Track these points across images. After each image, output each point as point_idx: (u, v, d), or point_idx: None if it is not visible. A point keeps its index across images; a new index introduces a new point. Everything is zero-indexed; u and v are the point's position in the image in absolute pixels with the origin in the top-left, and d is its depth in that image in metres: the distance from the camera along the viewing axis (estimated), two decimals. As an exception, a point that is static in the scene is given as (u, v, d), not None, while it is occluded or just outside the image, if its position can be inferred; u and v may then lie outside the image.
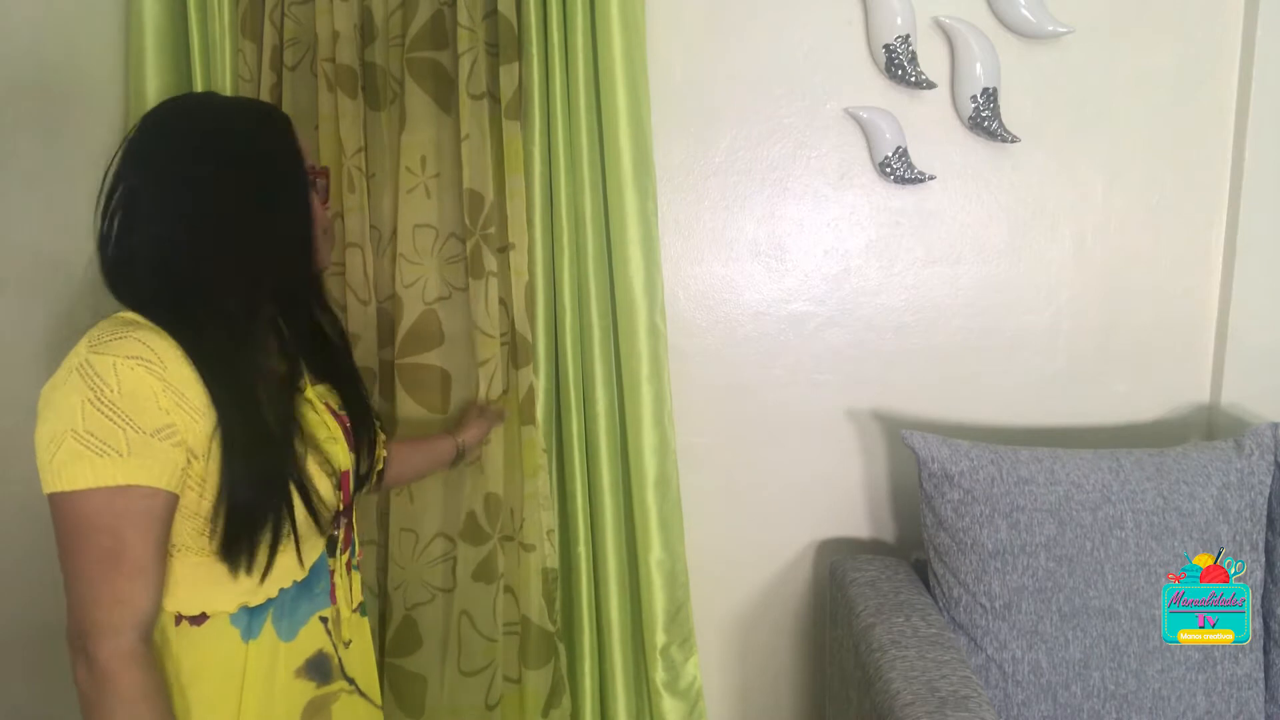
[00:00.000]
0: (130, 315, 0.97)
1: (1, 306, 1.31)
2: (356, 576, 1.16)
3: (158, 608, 0.95)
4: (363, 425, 1.17)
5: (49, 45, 1.38)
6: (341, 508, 1.09)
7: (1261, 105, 1.64)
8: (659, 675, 1.66)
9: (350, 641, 1.13)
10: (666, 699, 1.67)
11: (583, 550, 1.64)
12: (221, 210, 0.99)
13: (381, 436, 1.21)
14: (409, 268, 1.54)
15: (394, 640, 1.59)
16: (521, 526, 1.58)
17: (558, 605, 1.64)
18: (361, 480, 1.16)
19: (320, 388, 1.15)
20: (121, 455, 0.89)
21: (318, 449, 1.04)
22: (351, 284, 1.52)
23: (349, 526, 1.15)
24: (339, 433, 1.11)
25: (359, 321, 1.53)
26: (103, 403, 0.89)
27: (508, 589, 1.59)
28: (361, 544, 1.56)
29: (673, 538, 1.65)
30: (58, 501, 0.90)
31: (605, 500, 1.63)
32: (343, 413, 1.15)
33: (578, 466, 1.62)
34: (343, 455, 1.10)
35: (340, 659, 1.10)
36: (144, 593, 0.92)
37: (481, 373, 1.53)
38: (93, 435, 0.88)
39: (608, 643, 1.66)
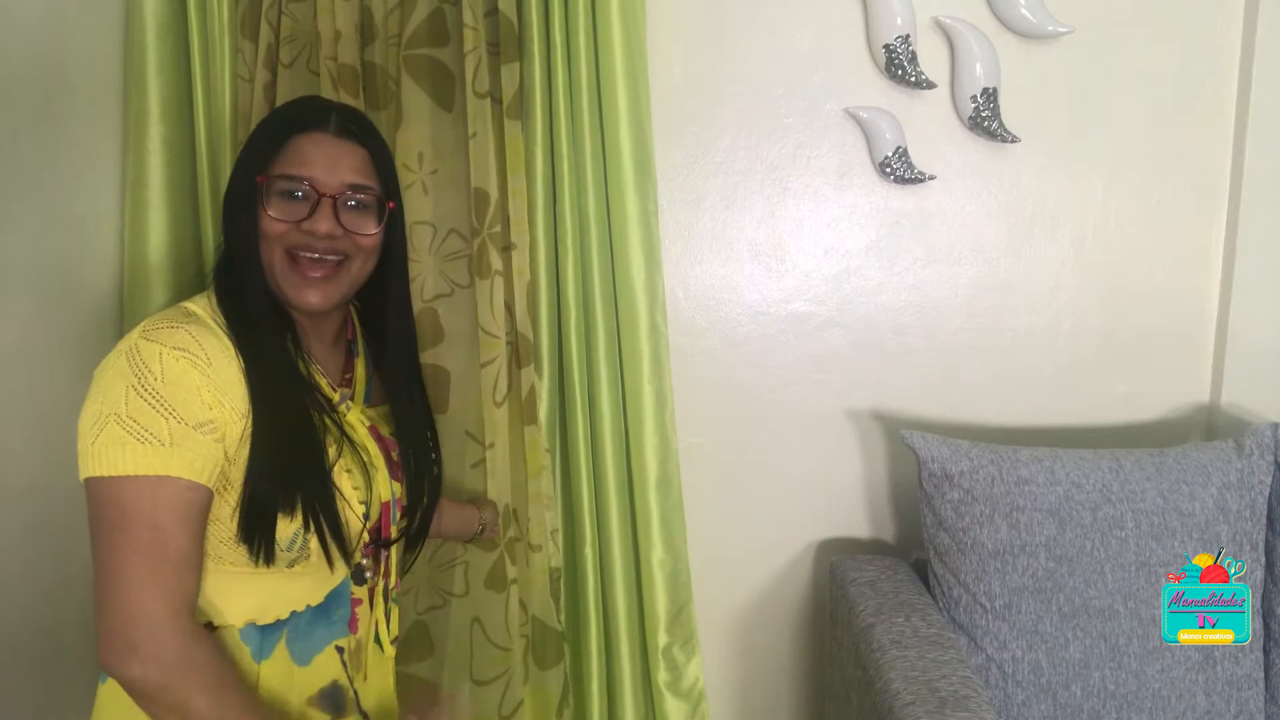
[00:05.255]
0: (192, 306, 0.97)
1: (1, 307, 1.30)
2: (395, 610, 1.13)
3: (197, 601, 0.93)
4: (416, 456, 1.13)
5: (49, 44, 1.38)
6: (368, 538, 1.05)
7: (1261, 105, 1.64)
8: (661, 676, 1.66)
9: (368, 675, 1.10)
10: (669, 699, 1.66)
11: (589, 551, 1.63)
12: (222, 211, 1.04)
13: (435, 471, 1.17)
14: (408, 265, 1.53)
15: (401, 646, 1.57)
16: (527, 527, 1.57)
17: (563, 605, 1.64)
18: (409, 512, 1.12)
19: (373, 411, 1.12)
20: (164, 444, 0.87)
21: (353, 473, 1.02)
22: None
23: (388, 558, 1.11)
24: (381, 461, 1.08)
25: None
26: (147, 390, 0.88)
27: (519, 597, 1.59)
28: None
29: (675, 538, 1.65)
30: (96, 487, 0.87)
31: (611, 501, 1.62)
32: (392, 439, 1.12)
33: (583, 467, 1.61)
34: (383, 484, 1.07)
35: (356, 692, 1.07)
36: (192, 584, 0.90)
37: (485, 373, 1.53)
38: (136, 421, 0.87)
39: (615, 644, 1.66)
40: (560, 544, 1.65)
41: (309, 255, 1.00)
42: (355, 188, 1.02)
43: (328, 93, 1.50)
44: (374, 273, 1.09)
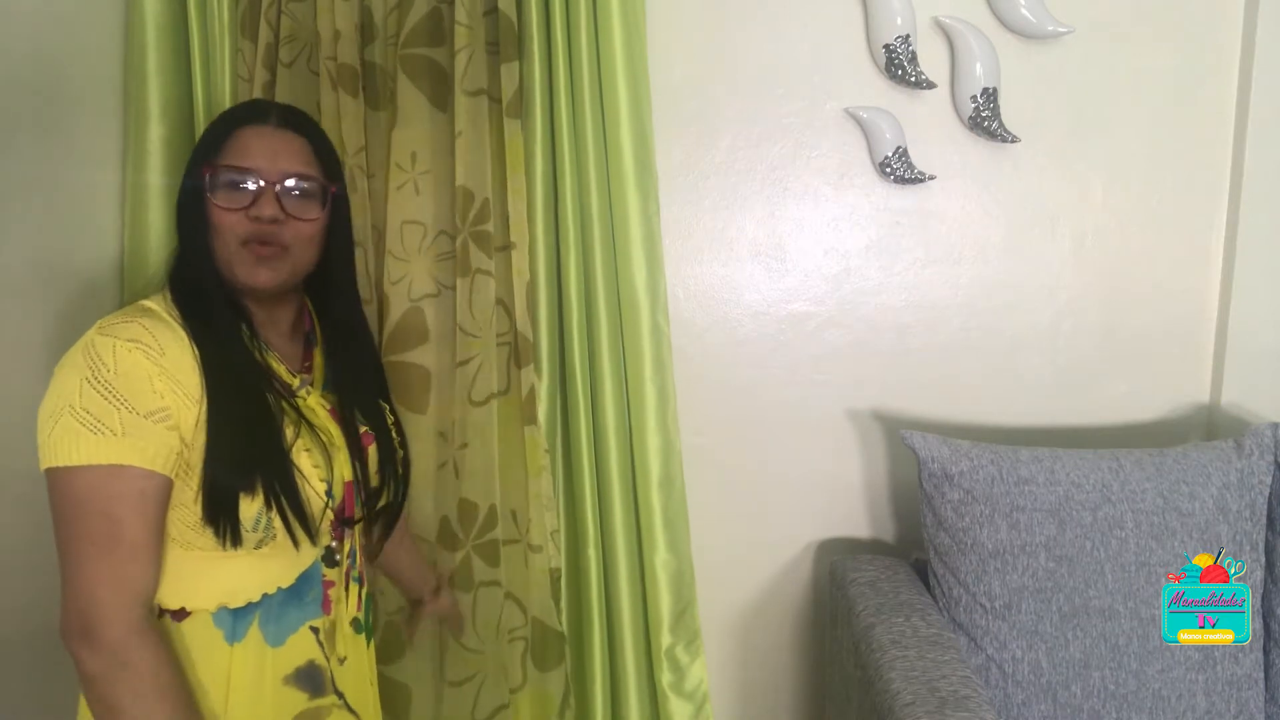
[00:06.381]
0: (149, 302, 1.01)
1: (1, 305, 1.30)
2: (355, 590, 1.14)
3: (156, 588, 0.95)
4: (377, 434, 1.15)
5: (49, 45, 1.38)
6: (333, 518, 1.06)
7: (1261, 105, 1.64)
8: (665, 677, 1.65)
9: (345, 658, 1.11)
10: (673, 700, 1.66)
11: (593, 552, 1.63)
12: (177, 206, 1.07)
13: (400, 453, 1.19)
14: (395, 264, 1.53)
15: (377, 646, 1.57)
16: (527, 528, 1.57)
17: (564, 606, 1.64)
18: (372, 494, 1.13)
19: (335, 397, 1.14)
20: (115, 435, 0.91)
21: (312, 452, 1.03)
22: None
23: (353, 538, 1.13)
24: (341, 441, 1.10)
25: (361, 321, 1.53)
26: (100, 382, 0.91)
27: (509, 595, 1.59)
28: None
29: (678, 538, 1.65)
30: (53, 477, 0.92)
31: (614, 501, 1.62)
32: (346, 416, 1.13)
33: (586, 467, 1.61)
34: (344, 464, 1.08)
35: (332, 673, 1.09)
36: (144, 572, 0.93)
37: (462, 373, 1.52)
38: (88, 413, 0.90)
39: (619, 645, 1.65)
40: (561, 545, 1.65)
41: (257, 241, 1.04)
42: (296, 175, 1.05)
43: (328, 93, 1.50)
44: (321, 261, 1.11)
